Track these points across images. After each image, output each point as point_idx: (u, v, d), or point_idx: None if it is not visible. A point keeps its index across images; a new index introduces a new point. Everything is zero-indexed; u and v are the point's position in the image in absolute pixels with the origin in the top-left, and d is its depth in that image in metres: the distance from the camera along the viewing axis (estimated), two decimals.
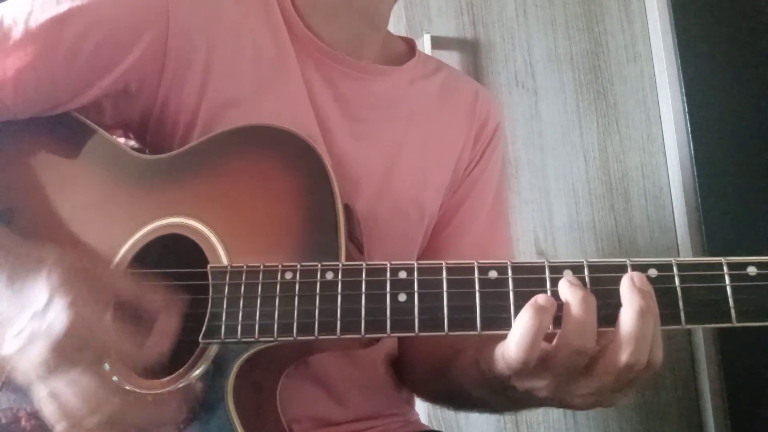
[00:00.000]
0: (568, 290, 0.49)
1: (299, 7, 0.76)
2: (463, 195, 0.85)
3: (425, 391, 0.84)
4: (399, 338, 0.84)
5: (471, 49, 1.35)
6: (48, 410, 0.52)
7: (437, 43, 1.33)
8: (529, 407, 0.62)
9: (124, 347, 0.53)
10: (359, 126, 0.77)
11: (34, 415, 0.59)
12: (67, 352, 0.50)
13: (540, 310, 0.48)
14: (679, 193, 1.30)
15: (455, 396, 0.72)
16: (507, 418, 1.24)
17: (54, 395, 0.51)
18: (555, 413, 1.26)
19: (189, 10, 0.70)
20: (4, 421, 0.60)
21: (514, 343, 0.49)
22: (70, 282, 0.52)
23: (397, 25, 1.35)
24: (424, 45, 1.31)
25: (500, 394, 0.58)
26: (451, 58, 1.33)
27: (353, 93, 0.77)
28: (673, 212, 1.32)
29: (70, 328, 0.50)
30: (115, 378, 0.56)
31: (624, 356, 0.48)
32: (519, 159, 1.32)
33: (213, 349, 0.57)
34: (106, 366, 0.55)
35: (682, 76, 1.30)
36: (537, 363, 0.50)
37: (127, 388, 0.56)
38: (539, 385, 0.51)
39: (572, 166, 1.33)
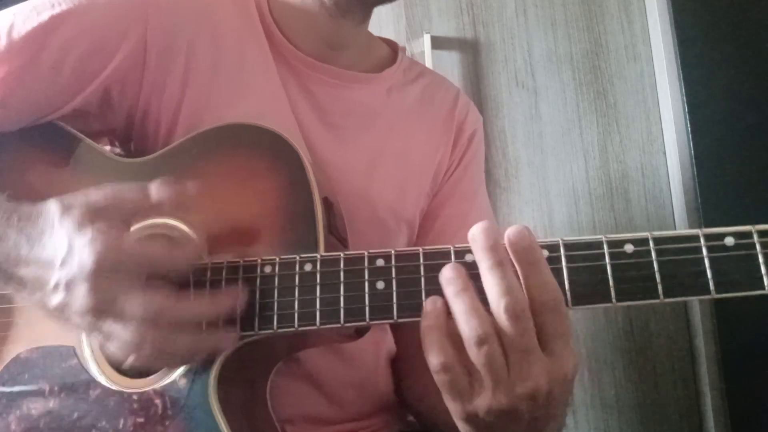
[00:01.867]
0: (446, 290, 0.51)
1: (276, 17, 0.77)
2: (442, 202, 0.85)
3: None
4: (398, 376, 0.84)
5: (471, 49, 1.35)
6: (121, 337, 0.52)
7: (437, 43, 1.33)
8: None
9: (155, 253, 0.54)
10: (336, 132, 0.77)
11: (24, 419, 0.59)
12: (107, 279, 0.51)
13: (429, 314, 0.51)
14: (679, 193, 1.30)
15: None
16: None
17: (115, 324, 0.52)
18: None
19: (168, 16, 0.71)
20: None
21: (430, 353, 0.50)
22: (82, 219, 0.53)
23: (397, 25, 1.35)
24: (424, 45, 1.31)
25: None
26: (451, 58, 1.33)
27: (329, 100, 0.78)
28: (673, 212, 1.32)
29: (100, 257, 0.51)
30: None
31: (501, 314, 0.48)
32: (519, 159, 1.32)
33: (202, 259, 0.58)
34: None
35: (682, 76, 1.29)
36: (469, 379, 0.50)
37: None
38: (487, 397, 0.50)
39: (572, 166, 1.33)
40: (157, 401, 0.58)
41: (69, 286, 0.52)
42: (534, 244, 0.50)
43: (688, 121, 1.28)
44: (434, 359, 0.49)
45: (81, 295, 0.51)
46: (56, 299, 0.53)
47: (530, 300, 0.49)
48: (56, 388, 0.61)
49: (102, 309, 0.52)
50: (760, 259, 0.48)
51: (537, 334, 0.49)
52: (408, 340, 0.83)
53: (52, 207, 0.55)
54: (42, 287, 0.54)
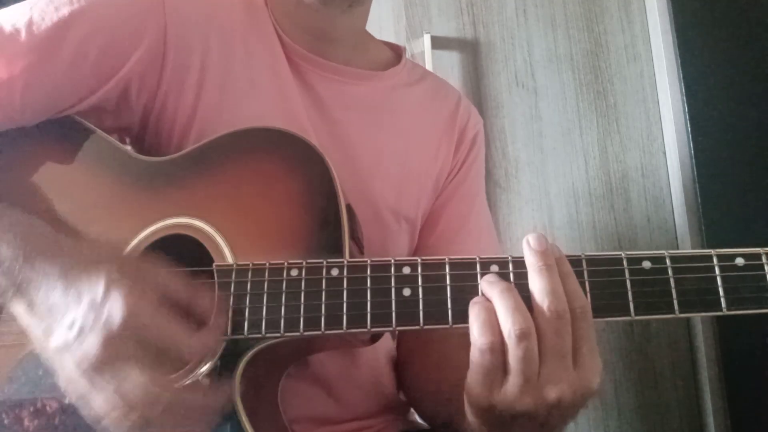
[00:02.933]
0: (487, 289, 0.54)
1: (277, 16, 0.77)
2: (444, 203, 0.86)
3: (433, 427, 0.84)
4: (402, 378, 0.84)
5: (471, 49, 1.35)
6: (96, 402, 0.51)
7: (437, 43, 1.33)
8: None
9: (177, 341, 0.53)
10: (338, 129, 0.77)
11: (36, 415, 0.59)
12: (121, 345, 0.50)
13: (473, 304, 0.53)
14: (679, 193, 1.30)
15: None
16: None
17: (109, 384, 0.50)
18: None
19: (184, 12, 0.71)
20: (6, 421, 0.60)
21: (476, 330, 0.52)
22: (127, 275, 0.52)
23: (396, 25, 1.35)
24: (424, 45, 1.31)
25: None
26: (451, 58, 1.33)
27: (331, 95, 0.78)
28: (673, 212, 1.32)
29: (127, 320, 0.50)
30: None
31: (545, 313, 0.51)
32: (519, 159, 1.32)
33: (219, 346, 0.58)
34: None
35: (682, 76, 1.30)
36: (501, 371, 0.52)
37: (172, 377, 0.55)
38: (513, 391, 0.52)
39: (572, 166, 1.33)
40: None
41: (83, 330, 0.50)
42: (564, 257, 0.54)
43: (688, 121, 1.28)
44: (483, 338, 0.51)
45: (90, 345, 0.50)
46: (63, 337, 0.51)
47: (570, 306, 0.52)
48: None
49: (99, 368, 0.50)
50: None
51: (574, 343, 0.52)
52: (411, 346, 0.83)
53: (107, 247, 0.56)
54: (53, 319, 0.52)
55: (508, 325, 0.51)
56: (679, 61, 1.30)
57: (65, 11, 0.66)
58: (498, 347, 0.51)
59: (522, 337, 0.50)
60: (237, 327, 0.57)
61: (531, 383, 0.51)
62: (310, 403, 0.72)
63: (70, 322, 0.51)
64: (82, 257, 0.55)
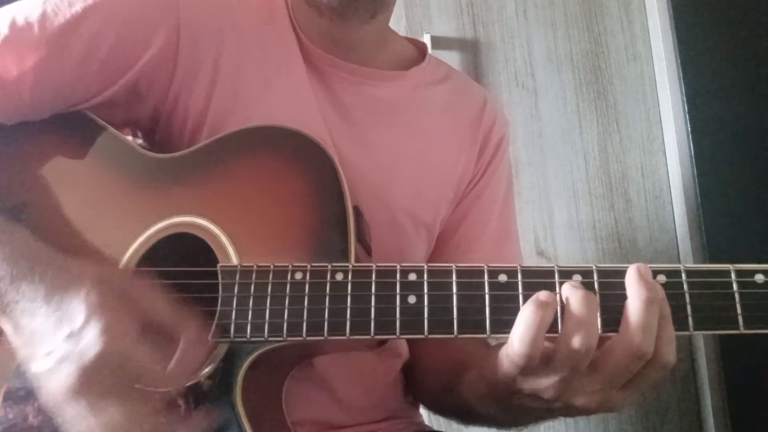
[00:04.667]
0: (569, 290, 0.50)
1: (297, 17, 0.76)
2: (465, 210, 0.83)
3: (433, 406, 0.83)
4: (409, 350, 0.84)
5: (471, 49, 1.35)
6: (74, 429, 0.51)
7: (437, 43, 1.33)
8: (535, 417, 0.61)
9: (154, 375, 0.52)
10: (358, 131, 0.76)
11: (41, 411, 0.59)
12: (97, 377, 0.49)
13: (541, 304, 0.49)
14: (679, 193, 1.30)
15: (462, 412, 0.72)
16: None
17: (79, 417, 0.50)
18: None
19: (198, 10, 0.70)
20: (11, 415, 0.59)
21: (517, 337, 0.49)
22: (108, 305, 0.51)
23: (397, 25, 1.35)
24: None
25: (505, 403, 0.58)
26: (451, 58, 1.33)
27: (351, 97, 0.76)
28: (673, 212, 1.32)
29: (104, 353, 0.49)
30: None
31: (630, 346, 0.48)
32: (519, 159, 1.32)
33: (222, 348, 0.57)
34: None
35: (682, 76, 1.30)
36: (541, 361, 0.50)
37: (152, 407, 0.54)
38: (544, 384, 0.51)
39: (572, 166, 1.33)
40: (181, 402, 0.57)
41: (60, 362, 0.49)
42: (665, 299, 0.50)
43: (688, 121, 1.28)
44: (523, 348, 0.49)
45: (66, 376, 0.49)
46: (40, 365, 0.51)
47: (654, 352, 0.49)
48: None
49: (76, 399, 0.49)
50: None
51: (633, 376, 0.50)
52: (418, 354, 0.83)
53: (88, 271, 0.54)
54: (34, 346, 0.52)
55: (571, 335, 0.48)
56: (679, 61, 1.30)
57: (78, 7, 0.65)
58: (537, 356, 0.49)
59: (578, 353, 0.48)
60: (239, 329, 0.56)
61: (565, 383, 0.50)
62: (314, 406, 0.71)
63: (48, 351, 0.51)
64: (67, 277, 0.54)
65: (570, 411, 0.53)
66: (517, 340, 0.49)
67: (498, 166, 0.85)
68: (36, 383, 0.52)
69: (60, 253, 0.57)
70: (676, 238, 1.31)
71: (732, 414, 1.22)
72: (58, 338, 0.50)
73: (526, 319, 0.49)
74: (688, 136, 1.28)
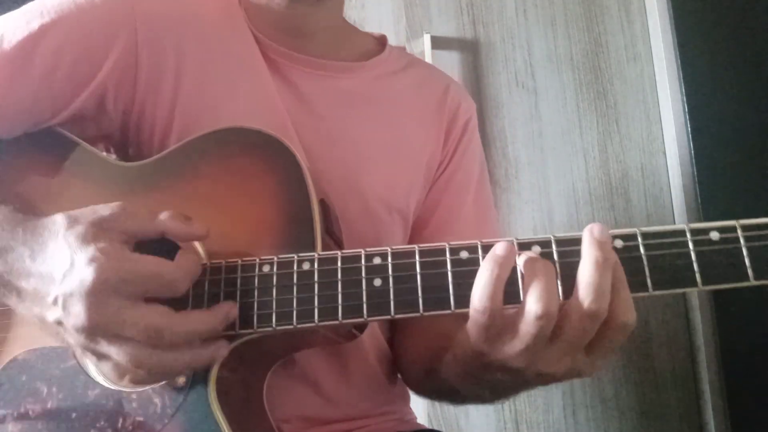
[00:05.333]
0: (526, 261, 0.52)
1: (251, 17, 0.78)
2: (438, 193, 0.84)
3: (422, 390, 0.84)
4: (394, 344, 0.85)
5: (471, 49, 1.36)
6: (116, 359, 0.52)
7: (437, 43, 1.33)
8: (513, 389, 0.62)
9: (155, 273, 0.53)
10: (323, 124, 0.77)
11: (20, 419, 0.59)
12: (105, 300, 0.51)
13: (497, 258, 0.51)
14: (679, 193, 1.30)
15: (447, 393, 0.74)
16: (507, 418, 1.24)
17: (110, 346, 0.52)
18: (555, 413, 1.26)
19: (155, 16, 0.71)
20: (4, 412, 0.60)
21: (477, 293, 0.50)
22: (87, 235, 0.53)
23: (396, 25, 1.35)
24: (424, 45, 1.31)
25: (480, 378, 0.59)
26: (451, 58, 1.33)
27: (314, 91, 0.77)
28: (673, 212, 1.32)
29: (99, 277, 0.50)
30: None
31: (582, 307, 0.49)
32: (519, 159, 1.32)
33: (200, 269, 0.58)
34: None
35: (682, 76, 1.30)
36: (505, 328, 0.51)
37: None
38: (510, 351, 0.52)
39: (572, 166, 1.33)
40: (156, 400, 0.58)
41: (66, 302, 0.51)
42: (619, 263, 0.51)
43: (688, 121, 1.28)
44: (480, 303, 0.50)
45: (76, 314, 0.51)
46: (54, 315, 0.52)
47: (610, 313, 0.50)
48: (54, 389, 0.61)
49: (96, 330, 0.51)
50: (744, 252, 0.50)
51: (595, 339, 0.51)
52: (399, 341, 0.84)
53: (58, 220, 0.55)
54: (41, 301, 0.53)
55: (532, 302, 0.49)
56: (679, 61, 1.30)
57: (35, 24, 0.66)
58: (498, 313, 0.50)
59: (540, 318, 0.49)
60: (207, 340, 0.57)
61: (530, 352, 0.51)
62: (299, 402, 0.72)
63: (53, 300, 0.52)
64: (44, 231, 0.55)
65: (541, 379, 0.54)
66: (477, 297, 0.50)
67: (467, 148, 0.87)
68: (60, 336, 0.54)
69: (30, 214, 0.59)
70: None
71: (732, 414, 1.22)
72: (55, 284, 0.52)
73: (483, 273, 0.51)
74: (688, 136, 1.29)
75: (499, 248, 0.51)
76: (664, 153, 1.34)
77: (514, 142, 1.32)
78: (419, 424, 0.86)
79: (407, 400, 0.87)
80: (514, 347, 0.51)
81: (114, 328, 0.51)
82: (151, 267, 0.53)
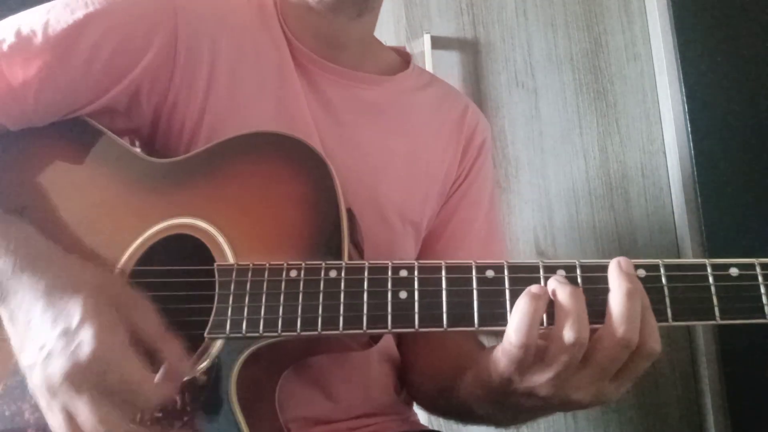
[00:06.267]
0: (556, 285, 0.53)
1: (287, 20, 0.78)
2: (452, 209, 0.86)
3: (431, 408, 0.85)
4: (403, 355, 0.85)
5: (471, 49, 1.35)
6: (54, 423, 0.52)
7: (437, 43, 1.33)
8: (532, 414, 0.63)
9: (137, 385, 0.52)
10: (348, 131, 0.78)
11: (37, 408, 0.59)
12: (82, 378, 0.50)
13: (534, 296, 0.52)
14: (679, 193, 1.30)
15: (461, 413, 0.74)
16: None
17: (62, 411, 0.51)
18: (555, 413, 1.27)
19: (195, 14, 0.72)
20: (7, 413, 0.60)
21: (513, 327, 0.51)
22: (104, 311, 0.52)
23: (396, 25, 1.35)
24: (424, 45, 1.31)
25: (502, 403, 0.59)
26: (451, 58, 1.33)
27: (341, 100, 0.79)
28: (673, 212, 1.32)
29: (95, 355, 0.50)
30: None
31: (616, 335, 0.50)
32: (519, 159, 1.32)
33: (217, 345, 0.58)
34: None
35: (682, 76, 1.30)
36: (536, 357, 0.52)
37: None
38: (540, 380, 0.53)
39: (572, 166, 1.33)
40: (176, 397, 0.58)
41: (50, 355, 0.51)
42: (644, 291, 0.52)
43: (688, 121, 1.28)
44: (517, 337, 0.51)
45: (53, 371, 0.50)
46: (31, 357, 0.52)
47: (639, 340, 0.51)
48: None
49: (57, 394, 0.51)
50: (762, 290, 0.53)
51: (622, 366, 0.53)
52: (414, 357, 0.84)
53: (88, 275, 0.55)
54: (27, 338, 0.53)
55: (564, 329, 0.50)
56: (679, 61, 1.30)
57: (80, 14, 0.67)
58: (533, 347, 0.51)
59: (572, 347, 0.50)
60: (235, 326, 0.58)
61: (561, 379, 0.52)
62: (306, 403, 0.73)
63: (41, 344, 0.52)
64: (68, 277, 0.55)
65: (566, 406, 0.55)
66: (514, 331, 0.51)
67: (482, 168, 0.89)
68: (26, 371, 0.54)
69: (61, 251, 0.59)
70: (676, 238, 1.31)
71: (732, 414, 1.22)
72: (52, 334, 0.52)
73: (521, 309, 0.51)
74: (688, 136, 1.28)
75: (535, 287, 0.52)
76: (664, 153, 1.34)
77: (514, 142, 1.32)
78: (422, 425, 0.87)
79: (411, 402, 0.87)
80: (544, 375, 0.52)
81: (72, 405, 0.50)
82: (136, 379, 0.52)
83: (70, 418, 0.51)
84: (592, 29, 1.38)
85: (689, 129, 1.28)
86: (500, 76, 1.35)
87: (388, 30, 1.35)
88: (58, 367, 0.50)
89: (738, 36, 1.29)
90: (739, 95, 1.27)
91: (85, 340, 0.50)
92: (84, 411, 0.50)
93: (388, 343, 0.83)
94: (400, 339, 0.86)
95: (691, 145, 1.28)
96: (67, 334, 0.51)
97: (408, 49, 1.33)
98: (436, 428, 0.87)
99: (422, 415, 0.92)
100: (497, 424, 0.71)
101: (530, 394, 0.54)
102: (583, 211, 1.32)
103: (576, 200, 1.33)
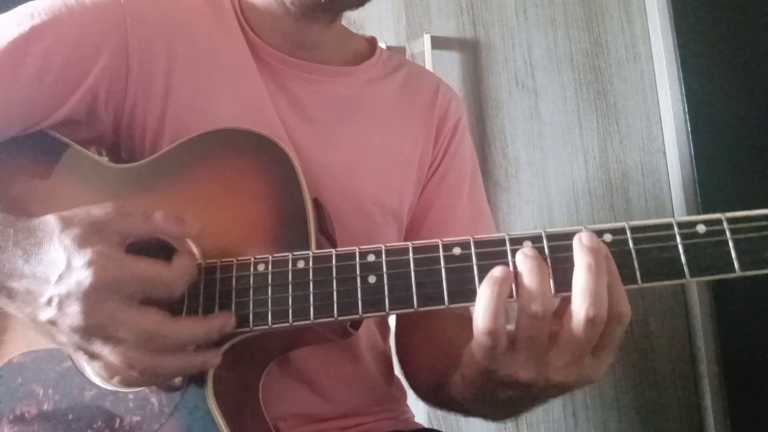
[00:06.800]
0: (520, 261, 0.52)
1: (246, 16, 0.78)
2: (432, 194, 0.85)
3: (433, 403, 0.85)
4: (399, 353, 0.85)
5: (471, 49, 1.36)
6: (108, 360, 0.53)
7: (437, 43, 1.33)
8: (522, 405, 0.62)
9: (152, 274, 0.53)
10: (317, 127, 0.78)
11: (16, 422, 0.60)
12: (101, 302, 0.51)
13: (496, 280, 0.51)
14: (679, 193, 1.30)
15: (458, 408, 0.74)
16: None
17: (105, 345, 0.52)
18: (555, 413, 1.26)
19: (145, 18, 0.71)
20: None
21: (479, 315, 0.51)
22: (83, 237, 0.53)
23: (396, 25, 1.35)
24: (424, 45, 1.31)
25: (491, 398, 0.59)
26: (451, 58, 1.33)
27: (307, 95, 0.78)
28: (673, 212, 1.32)
29: (97, 280, 0.51)
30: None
31: (582, 312, 0.49)
32: (519, 159, 1.32)
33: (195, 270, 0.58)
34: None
35: (682, 76, 1.30)
36: (507, 343, 0.51)
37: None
38: (517, 366, 0.52)
39: (572, 166, 1.33)
40: (153, 399, 0.58)
41: (62, 303, 0.52)
42: (611, 256, 0.52)
43: (688, 121, 1.28)
44: (483, 323, 0.51)
45: (72, 314, 0.51)
46: (47, 314, 0.53)
47: (609, 306, 0.51)
48: (50, 391, 0.61)
49: (92, 331, 0.52)
50: (731, 245, 0.51)
51: (598, 341, 0.51)
52: (404, 324, 0.84)
53: (51, 221, 0.55)
54: (34, 301, 0.53)
55: (523, 302, 0.50)
56: (679, 61, 1.30)
57: (26, 26, 0.66)
58: (501, 332, 0.51)
59: (534, 319, 0.50)
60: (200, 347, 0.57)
61: (536, 359, 0.52)
62: (294, 400, 0.72)
63: (47, 299, 0.52)
64: (37, 233, 0.55)
65: (552, 391, 0.54)
66: (480, 318, 0.51)
67: (459, 148, 0.87)
68: (52, 335, 0.54)
69: (20, 214, 0.58)
70: None
71: (732, 414, 1.22)
72: (50, 285, 0.52)
73: (484, 295, 0.51)
74: (688, 136, 1.28)
75: (497, 271, 0.52)
76: (664, 153, 1.34)
77: (514, 142, 1.33)
78: (416, 423, 0.86)
79: (404, 398, 0.87)
80: (516, 358, 0.52)
81: (109, 330, 0.51)
82: (147, 269, 0.53)
83: (115, 349, 0.52)
84: (592, 29, 1.38)
85: (689, 129, 1.28)
86: (500, 76, 1.35)
87: (388, 30, 1.36)
88: (75, 308, 0.51)
89: (738, 36, 1.29)
90: (739, 95, 1.27)
91: (82, 271, 0.51)
92: (121, 332, 0.51)
93: (371, 333, 0.83)
94: (396, 337, 0.86)
95: (691, 145, 1.28)
96: (63, 276, 0.52)
97: (408, 49, 1.33)
98: (436, 427, 0.87)
99: (421, 414, 0.92)
100: (494, 418, 0.71)
101: (512, 382, 0.53)
102: (583, 211, 1.32)
103: (576, 200, 1.33)
